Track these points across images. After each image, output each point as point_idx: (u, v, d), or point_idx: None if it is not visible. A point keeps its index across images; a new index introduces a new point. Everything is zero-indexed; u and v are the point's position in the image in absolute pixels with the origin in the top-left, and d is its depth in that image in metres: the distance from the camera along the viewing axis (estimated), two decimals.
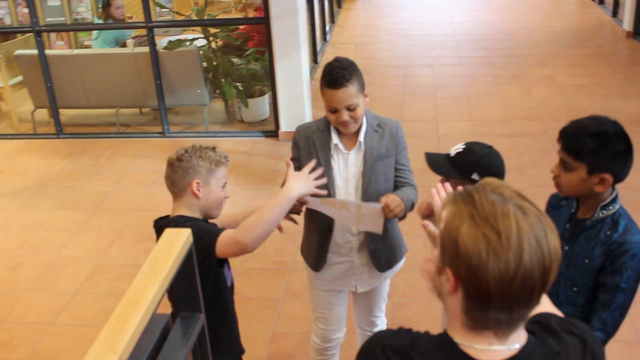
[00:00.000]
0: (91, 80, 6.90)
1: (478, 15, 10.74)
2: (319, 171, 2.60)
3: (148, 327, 1.86)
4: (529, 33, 9.68)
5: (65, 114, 7.46)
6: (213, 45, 7.04)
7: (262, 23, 6.38)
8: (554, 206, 2.52)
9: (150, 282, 1.54)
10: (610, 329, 2.25)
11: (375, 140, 2.80)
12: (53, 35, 9.27)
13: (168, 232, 1.78)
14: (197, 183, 2.54)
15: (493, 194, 1.30)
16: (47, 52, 6.89)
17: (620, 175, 2.25)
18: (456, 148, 2.63)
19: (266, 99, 7.06)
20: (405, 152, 2.89)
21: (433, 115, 6.97)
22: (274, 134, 6.66)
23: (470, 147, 2.62)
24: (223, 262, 2.60)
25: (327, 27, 10.09)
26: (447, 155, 2.65)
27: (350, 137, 2.82)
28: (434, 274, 1.40)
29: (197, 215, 2.59)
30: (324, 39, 9.74)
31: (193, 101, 6.96)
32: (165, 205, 5.86)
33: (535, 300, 1.28)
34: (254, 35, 7.30)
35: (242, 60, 6.96)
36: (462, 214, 1.29)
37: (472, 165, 2.57)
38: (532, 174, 5.57)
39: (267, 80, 6.73)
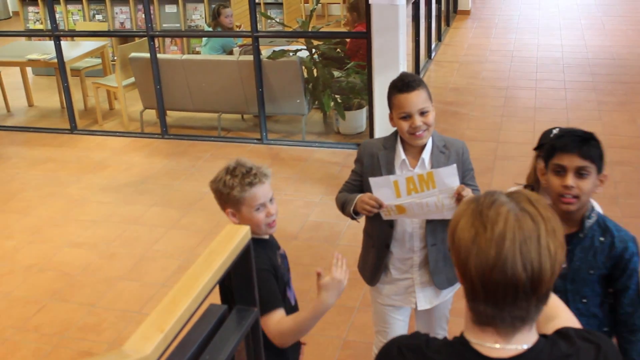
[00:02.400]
0: (197, 85, 7.20)
1: (589, 39, 10.49)
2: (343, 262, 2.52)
3: (204, 316, 2.00)
4: None
5: (171, 115, 7.82)
6: (315, 57, 7.20)
7: (364, 37, 6.48)
8: None
9: (203, 271, 1.66)
10: None
11: (442, 161, 2.78)
12: (168, 40, 9.73)
13: (228, 227, 1.91)
14: (232, 213, 2.56)
15: (503, 196, 1.40)
16: (159, 56, 7.24)
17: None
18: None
19: (364, 113, 7.16)
20: (472, 173, 2.91)
21: (530, 138, 6.87)
22: None
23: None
24: (284, 285, 2.64)
25: (433, 45, 10.11)
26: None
27: (414, 155, 2.83)
28: None
29: (257, 233, 2.60)
30: (429, 56, 9.76)
31: (292, 110, 7.15)
32: None
33: (525, 301, 1.34)
34: (360, 50, 7.43)
35: (342, 72, 7.10)
36: (466, 209, 1.41)
37: None
38: (627, 204, 5.42)
39: (365, 94, 6.83)
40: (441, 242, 2.91)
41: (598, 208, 2.55)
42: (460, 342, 1.44)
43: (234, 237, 1.82)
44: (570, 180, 2.28)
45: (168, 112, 7.62)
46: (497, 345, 1.39)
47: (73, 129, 7.66)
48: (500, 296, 1.34)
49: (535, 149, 2.82)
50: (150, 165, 6.74)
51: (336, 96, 7.01)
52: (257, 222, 2.52)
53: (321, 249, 5.12)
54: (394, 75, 6.33)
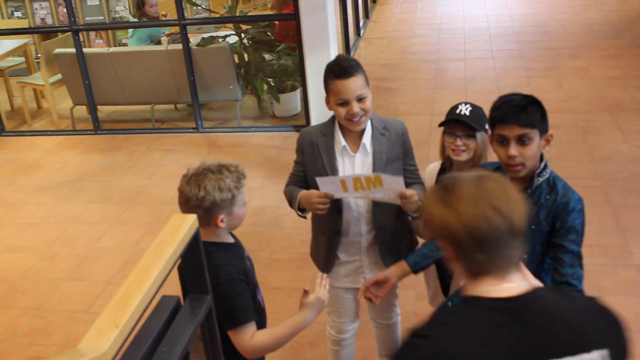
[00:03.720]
0: (127, 78, 7.08)
1: (513, 8, 10.69)
2: (325, 281, 2.59)
3: (158, 307, 1.98)
4: (563, 25, 9.61)
5: (103, 110, 7.67)
6: (245, 41, 7.15)
7: (292, 19, 6.47)
8: None
9: (154, 263, 1.65)
10: (582, 281, 2.43)
11: (383, 143, 2.78)
12: (93, 34, 9.52)
13: (175, 217, 1.89)
14: (222, 219, 2.46)
15: (458, 174, 1.68)
16: (85, 50, 7.08)
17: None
18: (464, 109, 2.89)
19: (298, 94, 7.15)
20: (412, 151, 2.91)
21: None
22: (303, 127, 6.74)
23: (473, 105, 2.93)
24: (254, 286, 2.62)
25: (361, 22, 10.15)
26: (463, 116, 2.87)
27: (354, 140, 2.80)
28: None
29: (225, 237, 2.56)
30: (358, 34, 9.80)
31: (226, 97, 7.10)
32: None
33: (511, 241, 1.59)
34: (290, 32, 7.41)
35: (273, 55, 7.07)
36: (433, 195, 1.68)
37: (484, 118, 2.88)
38: (559, 166, 5.56)
39: (298, 75, 6.82)
40: (389, 224, 2.90)
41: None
42: (470, 298, 1.61)
43: (182, 227, 1.81)
44: (513, 149, 2.32)
45: (99, 107, 7.47)
46: (500, 287, 1.58)
47: (1, 131, 7.45)
48: (490, 242, 1.56)
49: (441, 125, 2.93)
50: (85, 162, 6.61)
51: (269, 79, 6.99)
52: (242, 216, 2.52)
53: (266, 233, 5.12)
54: (325, 55, 6.38)
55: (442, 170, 3.06)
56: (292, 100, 7.15)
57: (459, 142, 2.85)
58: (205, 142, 6.81)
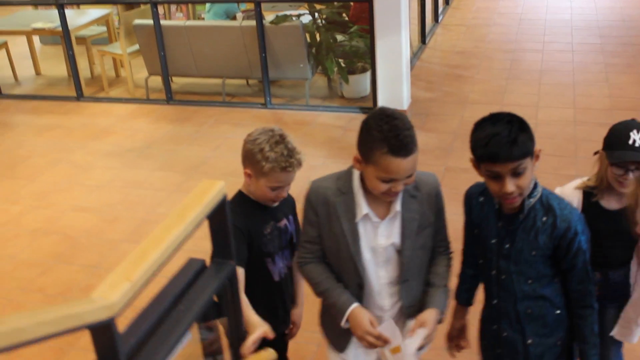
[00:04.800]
0: (201, 51, 7.22)
1: (599, 1, 10.37)
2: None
3: (184, 269, 2.05)
4: None
5: (176, 82, 7.86)
6: (318, 21, 7.19)
7: (365, 0, 6.46)
8: (475, 206, 2.43)
9: (175, 224, 1.71)
10: (593, 296, 2.36)
11: (414, 208, 2.32)
12: (174, 6, 9.73)
13: (203, 182, 1.95)
14: (249, 174, 2.53)
15: None
16: (162, 22, 7.25)
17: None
18: (638, 139, 2.48)
19: (367, 76, 7.15)
20: (443, 212, 2.44)
21: (535, 101, 6.85)
22: (370, 110, 6.75)
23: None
24: (263, 255, 2.63)
25: (440, 8, 10.04)
26: (637, 148, 2.48)
27: (380, 203, 2.31)
28: None
29: (250, 196, 2.61)
30: (436, 20, 9.70)
31: (296, 75, 7.16)
32: None
33: None
34: (364, 14, 7.40)
35: (345, 36, 7.08)
36: None
37: None
38: None
39: (368, 57, 6.82)
40: (416, 299, 2.43)
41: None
42: None
43: (208, 193, 1.86)
44: (510, 185, 2.15)
45: (174, 78, 7.66)
46: None
47: (79, 97, 7.72)
48: None
49: (611, 162, 2.53)
50: (154, 131, 6.80)
51: (340, 60, 7.01)
52: (264, 196, 2.54)
53: None
54: (395, 40, 6.36)
55: (590, 194, 2.66)
56: (361, 82, 7.16)
57: (630, 175, 2.49)
58: (272, 118, 6.90)
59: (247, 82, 7.83)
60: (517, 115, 2.19)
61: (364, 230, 2.31)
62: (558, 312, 2.38)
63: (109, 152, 6.40)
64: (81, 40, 8.31)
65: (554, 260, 2.30)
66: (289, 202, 2.77)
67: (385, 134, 2.11)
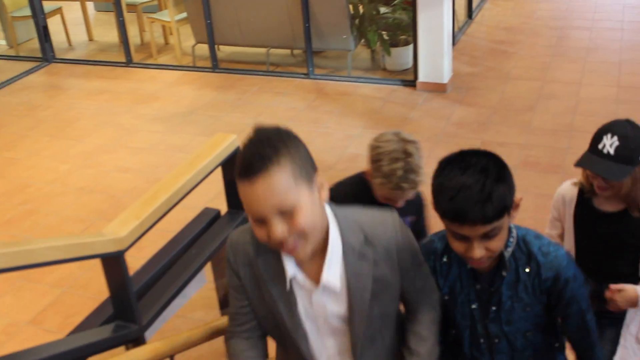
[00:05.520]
0: (247, 20, 7.35)
1: None
2: None
3: (199, 216, 2.20)
4: None
5: (222, 50, 8.01)
6: None
7: None
8: (440, 269, 1.98)
9: (186, 171, 1.84)
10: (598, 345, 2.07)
11: (364, 272, 1.74)
12: None
13: (216, 135, 2.07)
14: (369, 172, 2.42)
15: None
16: None
17: None
18: (608, 145, 2.24)
19: (410, 49, 7.19)
20: (416, 266, 1.85)
21: (578, 78, 6.81)
22: (412, 83, 6.81)
23: (625, 135, 2.23)
24: None
25: None
26: (605, 155, 2.24)
27: (312, 266, 1.73)
28: None
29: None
30: None
31: (338, 46, 7.25)
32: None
33: None
34: None
35: (389, 9, 7.13)
36: None
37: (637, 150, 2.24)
38: None
39: (411, 30, 6.86)
40: None
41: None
42: None
43: (221, 144, 1.98)
44: (477, 250, 1.74)
45: (220, 47, 7.81)
46: None
47: (129, 62, 7.94)
48: None
49: (577, 164, 2.33)
50: (199, 97, 6.97)
51: (382, 32, 7.07)
52: (380, 197, 2.42)
53: None
54: (438, 13, 6.39)
55: (582, 197, 2.47)
56: (403, 55, 7.20)
57: (600, 181, 2.29)
58: (314, 88, 7.00)
59: (292, 52, 7.93)
60: (495, 156, 1.74)
61: (299, 296, 1.76)
62: (557, 344, 2.08)
63: (154, 116, 6.59)
64: (132, 7, 8.52)
65: (545, 312, 1.95)
66: (415, 202, 2.59)
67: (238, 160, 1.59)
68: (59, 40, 8.74)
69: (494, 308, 1.92)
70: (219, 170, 2.20)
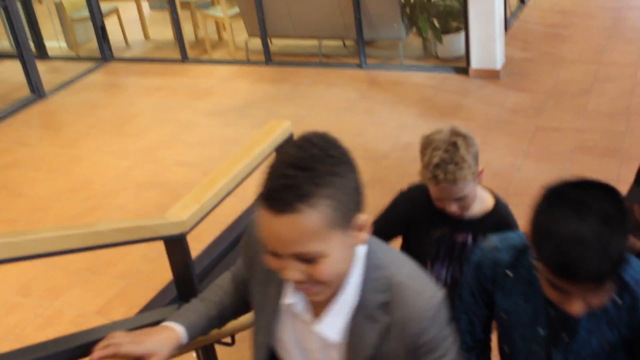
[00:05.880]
0: (298, 12, 7.43)
1: None
2: None
3: (254, 204, 2.28)
4: None
5: (275, 43, 8.10)
6: None
7: None
8: (501, 283, 1.74)
9: (243, 157, 1.91)
10: None
11: (369, 338, 1.46)
12: None
13: (271, 122, 2.14)
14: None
15: None
16: None
17: None
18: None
19: (462, 36, 7.16)
20: (437, 348, 1.47)
21: (635, 59, 6.69)
22: (464, 70, 6.79)
23: None
24: (422, 252, 2.35)
25: None
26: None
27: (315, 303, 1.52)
28: None
29: None
30: None
31: (390, 35, 7.27)
32: (351, 129, 6.32)
33: None
34: None
35: None
36: None
37: None
38: None
39: (463, 17, 6.84)
40: None
41: None
42: None
43: (275, 130, 2.05)
44: (577, 306, 1.50)
45: (272, 40, 7.91)
46: None
47: (184, 59, 8.11)
48: None
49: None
50: (253, 91, 7.09)
51: (433, 20, 7.06)
52: (434, 199, 2.25)
53: (409, 168, 5.27)
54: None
55: None
56: (455, 42, 7.17)
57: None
58: (366, 78, 7.05)
59: (344, 43, 7.98)
60: (616, 197, 1.45)
61: (293, 325, 1.56)
62: None
63: (211, 111, 6.73)
64: (186, 4, 8.68)
65: (633, 350, 1.67)
66: (487, 221, 2.30)
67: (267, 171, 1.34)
68: (116, 40, 8.95)
69: (565, 338, 1.66)
70: None
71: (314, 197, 1.24)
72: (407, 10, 7.13)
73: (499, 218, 2.28)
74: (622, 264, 1.44)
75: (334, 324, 1.47)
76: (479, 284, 1.78)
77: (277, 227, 1.26)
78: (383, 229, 2.19)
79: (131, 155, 6.09)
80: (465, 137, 2.13)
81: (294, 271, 1.32)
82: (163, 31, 9.38)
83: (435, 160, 2.10)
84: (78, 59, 8.79)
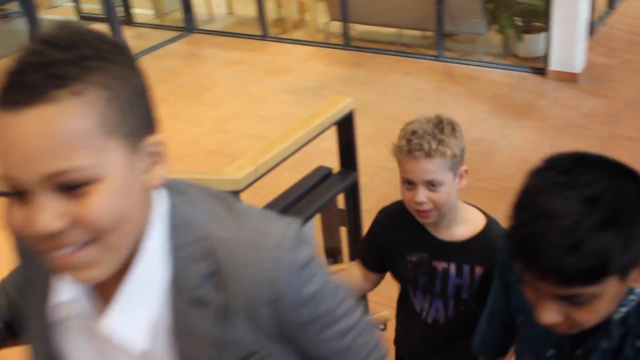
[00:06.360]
0: (381, 0, 7.46)
1: None
2: None
3: (312, 173, 2.36)
4: None
5: (355, 28, 8.15)
6: None
7: None
8: (516, 289, 1.48)
9: (301, 127, 1.99)
10: None
11: (202, 326, 0.99)
12: None
13: (332, 97, 2.21)
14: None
15: None
16: None
17: None
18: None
19: (543, 37, 7.07)
20: (330, 324, 1.07)
21: None
22: (542, 71, 6.71)
23: None
24: (401, 276, 2.14)
25: None
26: None
27: (104, 289, 1.00)
28: None
29: None
30: None
31: (470, 29, 7.23)
32: None
33: None
34: None
35: None
36: None
37: None
38: None
39: (546, 17, 6.75)
40: None
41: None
42: None
43: (336, 105, 2.12)
44: (549, 314, 1.19)
45: (353, 25, 7.96)
46: None
47: (265, 36, 8.24)
48: None
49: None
50: (329, 73, 7.17)
51: (516, 18, 6.99)
52: (404, 199, 1.94)
53: (476, 162, 5.31)
54: (574, 1, 6.23)
55: None
56: (536, 42, 7.08)
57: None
58: (442, 70, 7.04)
59: (424, 34, 7.97)
60: (625, 182, 1.13)
61: (84, 337, 1.05)
62: None
63: (285, 88, 6.85)
64: None
65: None
66: (472, 246, 1.98)
67: None
68: (200, 12, 9.15)
69: None
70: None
71: (79, 81, 0.83)
72: (490, 6, 7.08)
73: (487, 243, 1.92)
74: (607, 271, 1.09)
75: (130, 318, 0.96)
76: (504, 290, 1.56)
77: (19, 132, 0.80)
78: (367, 253, 2.16)
79: (204, 123, 6.25)
80: (452, 125, 1.87)
81: (46, 214, 0.83)
82: (247, 7, 9.52)
83: (413, 127, 1.84)
84: (163, 27, 9.04)
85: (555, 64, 6.54)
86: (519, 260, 1.16)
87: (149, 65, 7.75)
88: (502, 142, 5.55)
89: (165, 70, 7.59)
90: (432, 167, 1.80)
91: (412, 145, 1.79)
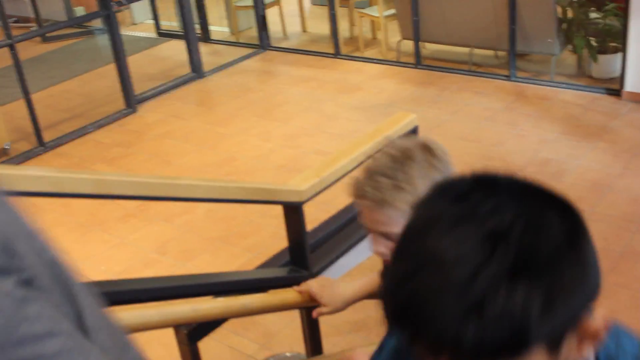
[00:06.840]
0: (453, 19, 7.47)
1: None
2: None
3: None
4: None
5: (427, 47, 8.19)
6: None
7: None
8: None
9: (365, 141, 2.05)
10: None
11: None
12: None
13: (398, 113, 2.27)
14: None
15: None
16: None
17: None
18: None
19: (619, 57, 6.96)
20: None
21: None
22: (617, 92, 6.60)
23: None
24: None
25: None
26: None
27: None
28: None
29: None
30: None
31: (543, 50, 7.17)
32: (489, 139, 6.31)
33: None
34: None
35: (599, 14, 6.95)
36: None
37: None
38: None
39: (622, 38, 6.65)
40: None
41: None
42: None
43: (400, 121, 2.18)
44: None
45: (424, 44, 8.00)
46: None
47: (337, 54, 8.35)
48: None
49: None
50: (399, 91, 7.22)
51: (590, 38, 6.91)
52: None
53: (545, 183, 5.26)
54: None
55: None
56: (611, 63, 6.98)
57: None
58: (513, 91, 7.00)
59: (496, 53, 7.95)
60: (565, 211, 0.84)
61: None
62: None
63: (355, 106, 6.93)
64: (345, 2, 8.94)
65: None
66: None
67: None
68: (275, 30, 9.35)
69: None
70: None
71: None
72: (564, 26, 7.02)
73: None
74: (537, 340, 0.74)
75: None
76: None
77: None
78: None
79: (274, 139, 6.38)
80: (432, 156, 1.49)
81: None
82: (320, 25, 9.69)
83: (369, 163, 1.47)
84: (238, 44, 9.27)
85: (630, 85, 6.44)
86: (402, 330, 0.79)
87: (222, 81, 7.97)
88: (572, 164, 5.48)
89: (238, 86, 7.78)
90: (384, 218, 1.41)
91: (359, 188, 1.43)
